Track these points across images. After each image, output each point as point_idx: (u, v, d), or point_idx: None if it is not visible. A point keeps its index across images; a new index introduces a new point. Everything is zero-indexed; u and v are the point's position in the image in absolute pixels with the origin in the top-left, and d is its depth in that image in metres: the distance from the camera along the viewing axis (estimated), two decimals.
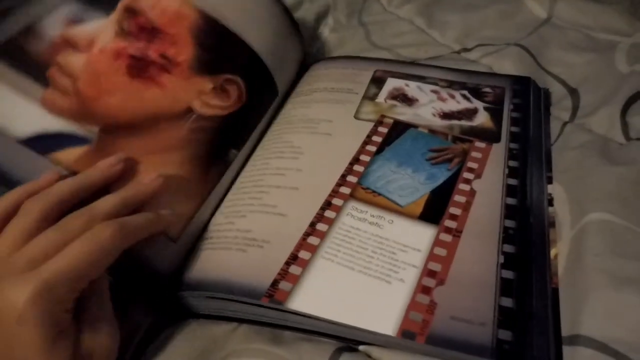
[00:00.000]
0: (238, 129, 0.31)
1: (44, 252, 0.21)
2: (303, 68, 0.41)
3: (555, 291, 0.26)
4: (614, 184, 0.30)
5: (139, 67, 0.29)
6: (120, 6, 0.30)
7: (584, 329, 0.24)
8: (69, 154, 0.26)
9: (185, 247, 0.28)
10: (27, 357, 0.19)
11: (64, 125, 0.26)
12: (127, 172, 0.26)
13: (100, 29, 0.29)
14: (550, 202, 0.30)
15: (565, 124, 0.35)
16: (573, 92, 0.37)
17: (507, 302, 0.24)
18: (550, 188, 0.31)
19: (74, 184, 0.24)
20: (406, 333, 0.23)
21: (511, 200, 0.29)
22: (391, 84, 0.37)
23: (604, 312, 0.24)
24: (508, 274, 0.26)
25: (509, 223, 0.28)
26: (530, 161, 0.31)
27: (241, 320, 0.26)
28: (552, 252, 0.28)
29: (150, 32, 0.30)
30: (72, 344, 0.21)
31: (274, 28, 0.36)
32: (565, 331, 0.24)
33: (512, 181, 0.30)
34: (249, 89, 0.32)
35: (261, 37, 0.34)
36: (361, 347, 0.25)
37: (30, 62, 0.27)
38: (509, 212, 0.28)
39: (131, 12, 0.30)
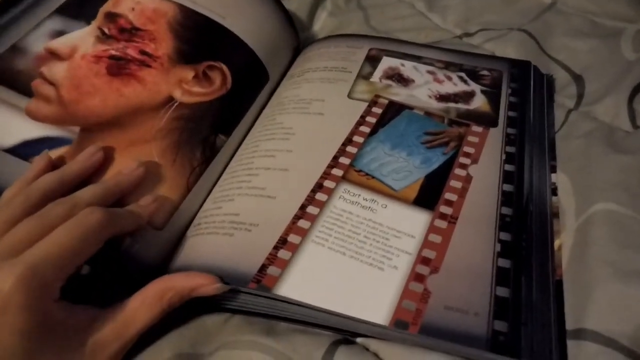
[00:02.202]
0: (224, 115, 0.31)
1: (26, 238, 0.20)
2: (299, 52, 0.40)
3: (559, 283, 0.25)
4: (620, 173, 0.29)
5: (118, 66, 0.29)
6: (100, 13, 0.31)
7: (589, 323, 0.23)
8: (52, 155, 0.26)
9: (172, 236, 0.27)
10: (13, 346, 0.18)
11: (47, 130, 0.27)
12: (108, 162, 0.26)
13: (81, 37, 0.30)
14: (554, 192, 0.29)
15: (569, 111, 0.34)
16: (578, 79, 0.36)
17: (503, 291, 0.24)
18: (554, 177, 0.30)
19: (56, 177, 0.24)
20: (399, 322, 0.22)
21: (508, 187, 0.28)
22: (386, 63, 0.36)
23: (610, 305, 0.23)
24: (504, 263, 0.25)
25: (506, 210, 0.27)
26: (528, 147, 0.30)
27: (234, 311, 0.25)
28: (556, 243, 0.27)
29: (129, 32, 0.31)
30: (66, 337, 0.20)
31: (260, 14, 0.36)
32: (569, 325, 0.24)
33: (509, 167, 0.29)
34: (236, 75, 0.32)
35: (246, 25, 0.34)
36: (359, 340, 0.24)
37: (16, 76, 0.29)
38: (505, 199, 0.27)
39: (111, 16, 0.31)
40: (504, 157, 0.29)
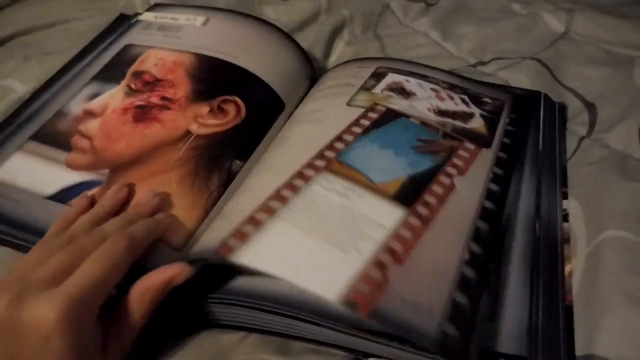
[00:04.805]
0: (240, 142, 0.32)
1: (63, 268, 0.22)
2: (316, 80, 0.41)
3: (569, 309, 0.25)
4: (632, 201, 0.28)
5: (143, 113, 0.33)
6: (128, 73, 0.36)
7: (600, 349, 0.22)
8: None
9: (190, 256, 0.28)
10: None
11: (81, 176, 0.30)
12: (132, 195, 0.29)
13: (112, 95, 0.35)
14: (565, 218, 0.29)
15: (582, 139, 0.34)
16: (590, 107, 0.35)
17: (462, 298, 0.23)
18: (565, 203, 0.30)
19: (92, 216, 0.26)
20: (349, 302, 0.22)
21: (489, 204, 0.28)
22: (391, 77, 0.36)
23: (620, 332, 0.23)
24: (469, 272, 0.24)
25: (482, 224, 0.26)
26: (516, 174, 0.30)
27: (249, 330, 0.25)
28: (567, 268, 0.26)
29: (152, 83, 0.35)
30: (93, 347, 0.21)
31: (271, 51, 0.39)
32: (579, 350, 0.23)
33: (494, 187, 0.29)
34: (250, 105, 0.34)
35: (257, 61, 0.37)
36: None
37: (58, 136, 0.33)
38: (484, 213, 0.27)
39: (137, 74, 0.36)
40: (491, 176, 0.29)
